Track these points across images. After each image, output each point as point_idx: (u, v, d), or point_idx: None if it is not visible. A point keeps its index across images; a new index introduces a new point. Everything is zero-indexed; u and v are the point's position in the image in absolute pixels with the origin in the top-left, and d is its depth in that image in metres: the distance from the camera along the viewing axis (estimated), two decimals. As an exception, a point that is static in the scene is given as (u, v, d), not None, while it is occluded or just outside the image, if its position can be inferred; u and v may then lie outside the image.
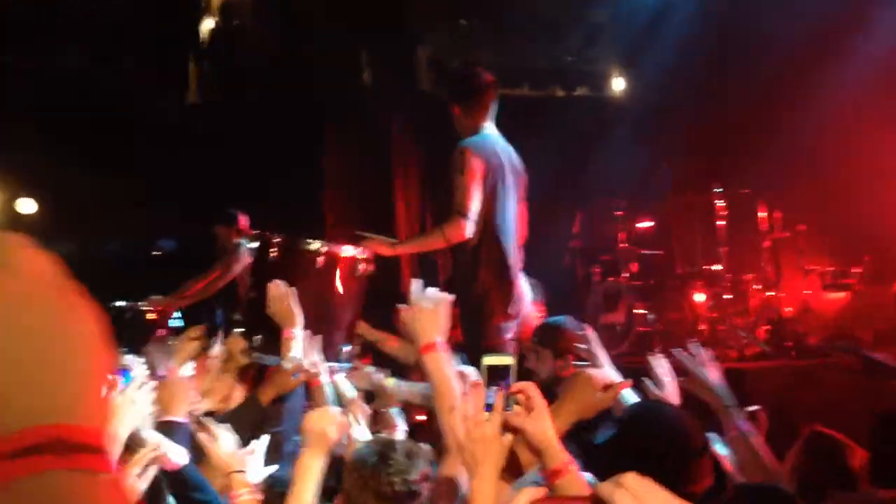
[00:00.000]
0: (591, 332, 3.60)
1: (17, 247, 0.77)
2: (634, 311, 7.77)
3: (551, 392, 3.39)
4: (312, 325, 3.62)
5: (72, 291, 0.78)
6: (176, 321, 7.24)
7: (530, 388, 2.09)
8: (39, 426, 0.70)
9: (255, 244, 4.15)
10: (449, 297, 2.66)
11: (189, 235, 8.20)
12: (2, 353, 0.71)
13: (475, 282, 4.80)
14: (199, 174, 8.41)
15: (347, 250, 3.99)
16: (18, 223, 8.55)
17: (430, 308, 2.60)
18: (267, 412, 3.42)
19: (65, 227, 8.32)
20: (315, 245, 3.87)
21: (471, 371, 3.14)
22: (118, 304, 6.88)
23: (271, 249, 3.87)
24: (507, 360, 2.08)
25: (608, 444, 2.74)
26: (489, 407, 2.00)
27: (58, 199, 8.53)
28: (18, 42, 8.24)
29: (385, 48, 9.32)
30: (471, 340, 4.79)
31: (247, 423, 3.21)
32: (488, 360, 2.07)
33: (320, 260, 3.86)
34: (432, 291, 2.65)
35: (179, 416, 2.97)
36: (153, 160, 8.30)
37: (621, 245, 8.23)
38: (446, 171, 4.88)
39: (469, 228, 4.67)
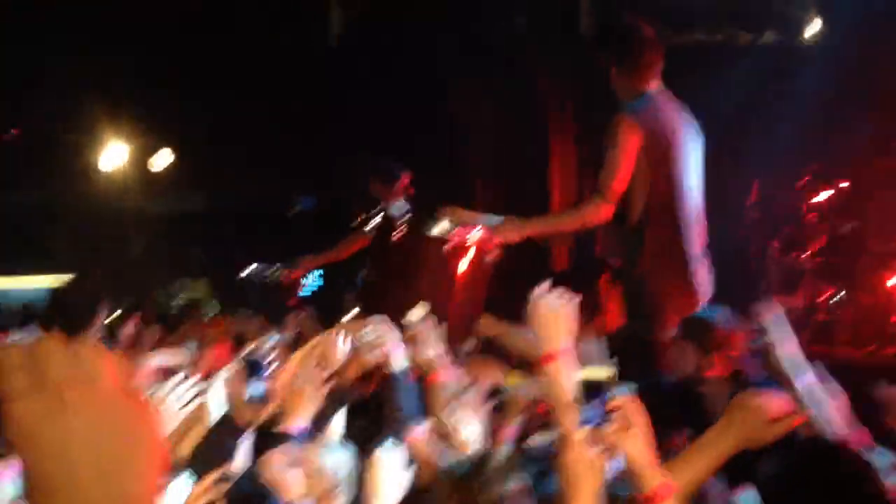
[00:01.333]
0: (773, 315, 3.17)
1: (94, 356, 0.96)
2: (818, 294, 7.36)
3: (690, 393, 3.14)
4: (433, 315, 3.52)
5: (140, 399, 0.99)
6: (313, 285, 7.27)
7: (629, 404, 2.09)
8: None
9: (378, 222, 4.11)
10: (575, 300, 2.52)
11: (331, 193, 8.26)
12: (84, 456, 0.90)
13: (636, 267, 4.60)
14: (335, 126, 8.44)
15: (475, 235, 3.84)
16: (153, 175, 8.85)
17: (554, 310, 2.48)
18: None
19: (199, 182, 8.55)
20: (441, 228, 3.73)
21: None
22: (248, 269, 6.97)
23: (394, 231, 3.80)
24: (603, 373, 2.24)
25: (779, 479, 2.50)
26: (585, 423, 2.05)
27: (192, 151, 8.76)
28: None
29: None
30: (631, 330, 4.65)
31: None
32: (584, 374, 2.16)
33: (445, 246, 3.73)
34: (557, 293, 2.52)
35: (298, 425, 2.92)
36: (288, 108, 8.38)
37: (806, 216, 7.83)
38: (605, 135, 4.63)
39: (609, 212, 4.47)
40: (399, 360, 3.36)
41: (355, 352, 3.40)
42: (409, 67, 8.32)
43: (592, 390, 2.12)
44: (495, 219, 4.33)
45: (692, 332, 3.81)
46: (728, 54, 9.09)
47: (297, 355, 3.33)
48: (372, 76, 8.50)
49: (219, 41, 8.45)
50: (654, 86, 4.64)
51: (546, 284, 2.55)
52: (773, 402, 2.59)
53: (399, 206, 5.98)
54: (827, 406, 2.97)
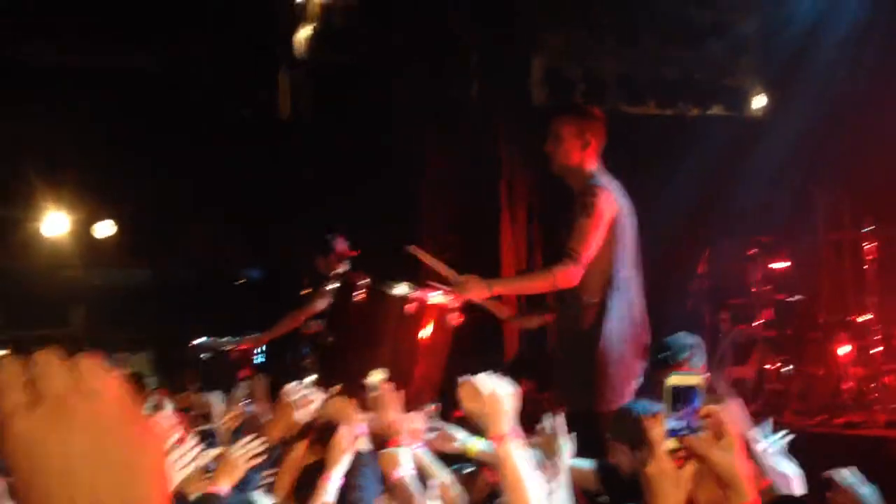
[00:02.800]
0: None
1: (94, 372, 0.92)
2: (767, 364, 7.75)
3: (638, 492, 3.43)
4: (393, 379, 3.76)
5: (141, 418, 0.95)
6: (259, 358, 7.53)
7: (721, 411, 2.05)
8: None
9: (337, 284, 4.34)
10: (516, 388, 2.78)
11: (278, 263, 8.52)
12: (82, 475, 0.88)
13: (593, 339, 4.84)
14: (288, 196, 8.80)
15: (437, 296, 4.10)
16: (95, 247, 9.07)
17: (498, 395, 2.71)
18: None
19: (143, 252, 8.77)
20: (402, 289, 4.02)
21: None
22: (197, 342, 7.20)
23: (355, 292, 4.05)
24: (694, 380, 2.09)
25: None
26: (674, 433, 2.02)
27: (135, 221, 9.01)
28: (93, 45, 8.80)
29: (495, 56, 9.51)
30: (582, 406, 4.81)
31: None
32: (673, 381, 2.08)
33: (408, 307, 3.99)
34: (496, 378, 2.77)
35: (223, 488, 3.24)
36: (237, 180, 8.72)
37: (755, 288, 8.19)
38: (563, 202, 4.95)
39: (579, 276, 4.71)
40: (364, 440, 3.54)
41: (284, 410, 3.68)
42: (363, 130, 8.72)
43: (682, 397, 2.04)
44: (458, 277, 4.52)
45: (619, 429, 3.88)
46: (679, 126, 9.62)
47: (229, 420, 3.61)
48: (324, 146, 8.91)
49: (165, 111, 8.83)
50: (597, 166, 5.04)
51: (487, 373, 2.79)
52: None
53: (344, 270, 6.43)
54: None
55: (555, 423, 3.48)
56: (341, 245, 7.09)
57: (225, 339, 7.30)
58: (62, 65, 9.00)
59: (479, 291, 4.54)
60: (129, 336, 9.42)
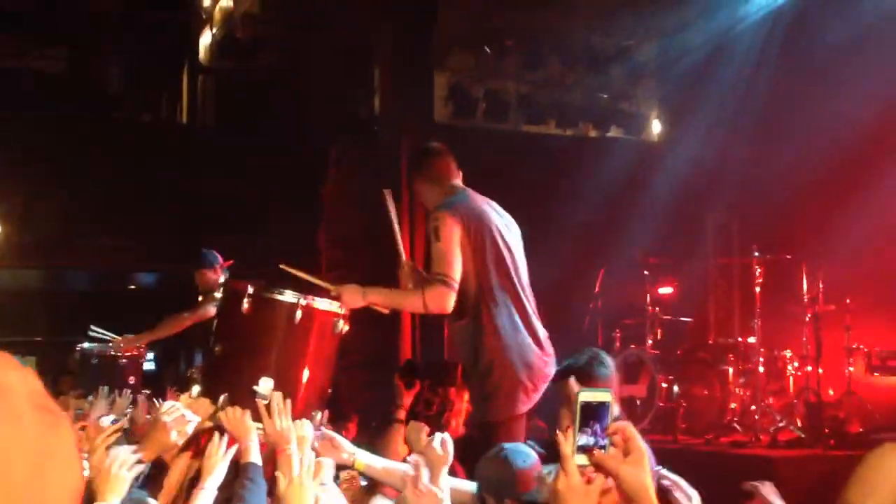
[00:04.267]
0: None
1: (3, 367, 0.94)
2: (658, 384, 7.86)
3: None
4: (281, 387, 3.71)
5: (54, 413, 0.96)
6: (149, 364, 7.38)
7: (628, 428, 2.04)
8: None
9: (223, 293, 4.26)
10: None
11: (170, 270, 8.37)
12: (2, 468, 0.88)
13: (480, 353, 4.86)
14: (186, 201, 8.64)
15: (324, 304, 4.06)
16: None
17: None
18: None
19: (31, 255, 8.53)
20: (290, 297, 3.95)
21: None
22: (85, 345, 7.03)
23: (243, 301, 3.96)
24: (604, 396, 2.06)
25: None
26: (582, 449, 2.01)
27: (25, 222, 8.76)
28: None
29: (399, 72, 9.51)
30: (480, 418, 4.90)
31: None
32: (584, 396, 2.06)
33: (296, 315, 3.93)
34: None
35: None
36: (131, 184, 8.53)
37: (648, 309, 8.32)
38: (427, 233, 5.03)
39: (451, 298, 4.76)
40: (255, 452, 3.47)
41: (159, 430, 3.56)
42: (265, 138, 8.63)
43: (592, 413, 2.02)
44: (335, 287, 4.57)
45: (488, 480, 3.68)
46: (578, 148, 9.75)
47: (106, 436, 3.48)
48: (225, 154, 8.77)
49: (70, 111, 8.61)
50: (459, 185, 5.13)
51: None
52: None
53: (225, 279, 6.40)
54: None
55: (442, 441, 3.43)
56: (216, 257, 7.09)
57: (108, 339, 7.15)
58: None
59: (353, 299, 4.55)
60: (19, 339, 9.14)
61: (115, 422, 4.71)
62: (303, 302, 3.91)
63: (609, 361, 4.41)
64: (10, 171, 8.23)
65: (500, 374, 4.83)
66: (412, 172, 5.22)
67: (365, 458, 3.79)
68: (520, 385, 4.84)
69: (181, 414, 3.51)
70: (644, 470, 2.03)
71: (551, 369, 4.88)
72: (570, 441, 2.01)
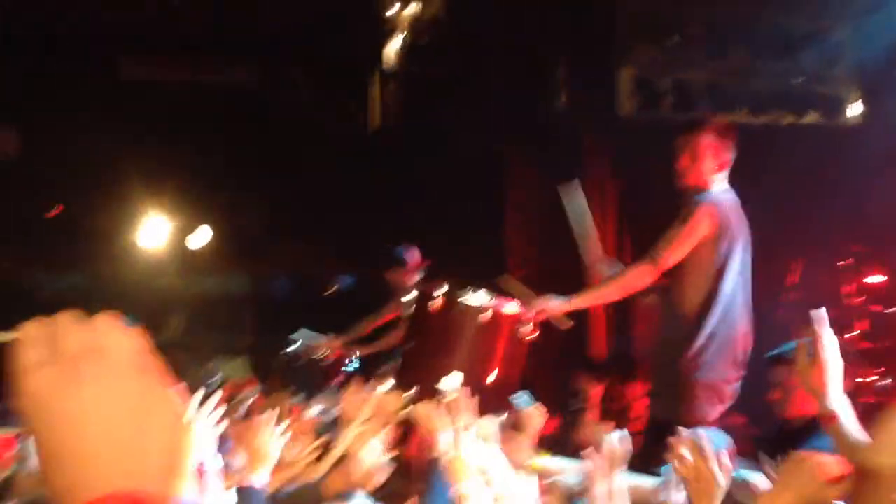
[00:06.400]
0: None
1: (108, 329, 0.96)
2: (864, 377, 7.48)
3: None
4: (467, 385, 3.75)
5: (156, 373, 0.97)
6: (353, 365, 7.57)
7: None
8: (122, 491, 0.89)
9: (415, 295, 4.34)
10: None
11: (368, 272, 8.58)
12: (95, 426, 0.91)
13: (689, 354, 4.80)
14: (375, 204, 8.83)
15: (513, 308, 4.06)
16: (190, 254, 9.25)
17: None
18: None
19: (235, 261, 8.91)
20: (478, 300, 3.97)
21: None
22: (291, 349, 7.29)
23: (431, 302, 4.02)
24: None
25: None
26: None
27: (229, 230, 9.16)
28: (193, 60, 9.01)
29: (583, 66, 9.40)
30: (673, 417, 4.74)
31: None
32: None
33: (482, 318, 3.95)
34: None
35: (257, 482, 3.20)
36: (328, 189, 8.79)
37: (850, 298, 8.04)
38: (650, 214, 4.91)
39: (655, 278, 4.69)
40: (444, 447, 3.43)
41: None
42: (450, 142, 8.72)
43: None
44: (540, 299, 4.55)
45: None
46: (772, 135, 9.37)
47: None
48: (412, 158, 8.92)
49: (260, 122, 8.96)
50: (724, 177, 4.97)
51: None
52: (830, 464, 2.67)
53: (420, 279, 6.49)
54: None
55: (617, 441, 3.36)
56: (414, 256, 7.18)
57: (318, 344, 7.36)
58: (165, 80, 9.21)
59: (557, 308, 4.56)
60: (226, 343, 9.56)
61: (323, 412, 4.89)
62: (488, 305, 3.95)
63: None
64: (214, 182, 8.64)
65: (701, 378, 4.85)
66: (708, 129, 4.97)
67: (542, 462, 3.76)
68: (719, 396, 4.91)
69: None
70: None
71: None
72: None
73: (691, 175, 4.90)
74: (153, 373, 0.96)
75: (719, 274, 4.77)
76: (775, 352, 4.38)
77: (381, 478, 3.57)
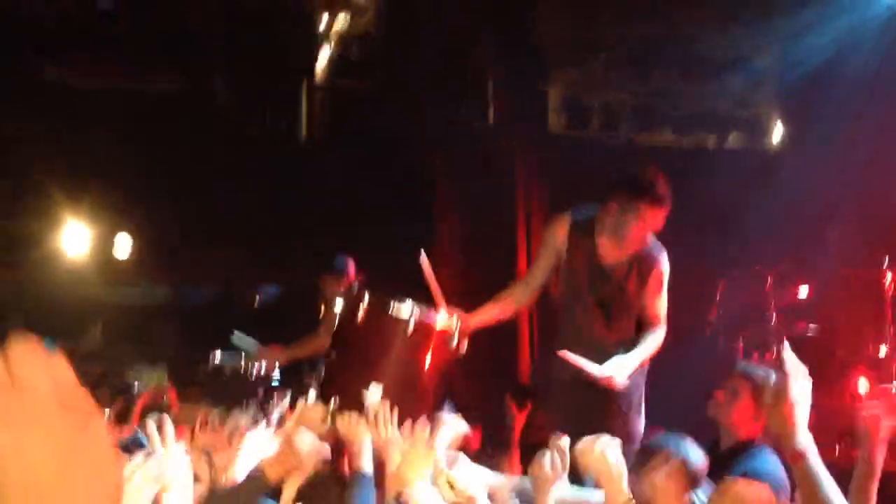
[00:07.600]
0: None
1: (25, 360, 0.84)
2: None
3: None
4: (390, 397, 3.70)
5: (82, 408, 0.86)
6: (276, 381, 7.41)
7: None
8: None
9: (343, 303, 4.26)
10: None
11: (291, 283, 8.44)
12: (12, 476, 0.81)
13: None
14: (299, 216, 8.72)
15: (442, 320, 3.97)
16: (112, 263, 9.02)
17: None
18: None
19: (158, 270, 8.70)
20: (406, 310, 3.88)
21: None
22: (217, 361, 7.08)
23: (357, 312, 3.92)
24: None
25: None
26: None
27: (151, 238, 8.96)
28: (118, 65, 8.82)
29: (513, 83, 9.44)
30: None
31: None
32: None
33: (409, 329, 3.86)
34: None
35: None
36: (254, 198, 8.66)
37: (770, 319, 8.05)
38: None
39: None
40: (366, 459, 3.43)
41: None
42: (380, 155, 8.68)
43: None
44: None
45: None
46: (696, 156, 9.49)
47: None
48: (341, 170, 8.84)
49: (186, 134, 8.80)
50: None
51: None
52: (760, 491, 2.81)
53: (349, 289, 6.37)
54: None
55: (551, 459, 3.32)
56: (350, 266, 7.04)
57: (246, 356, 7.15)
58: (85, 85, 8.99)
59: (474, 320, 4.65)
60: (145, 352, 9.32)
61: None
62: (416, 316, 3.85)
63: None
64: (133, 190, 8.44)
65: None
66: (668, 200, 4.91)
67: (461, 480, 3.65)
68: None
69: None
70: None
71: None
72: None
73: (633, 244, 4.91)
74: (79, 409, 0.85)
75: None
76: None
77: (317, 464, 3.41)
